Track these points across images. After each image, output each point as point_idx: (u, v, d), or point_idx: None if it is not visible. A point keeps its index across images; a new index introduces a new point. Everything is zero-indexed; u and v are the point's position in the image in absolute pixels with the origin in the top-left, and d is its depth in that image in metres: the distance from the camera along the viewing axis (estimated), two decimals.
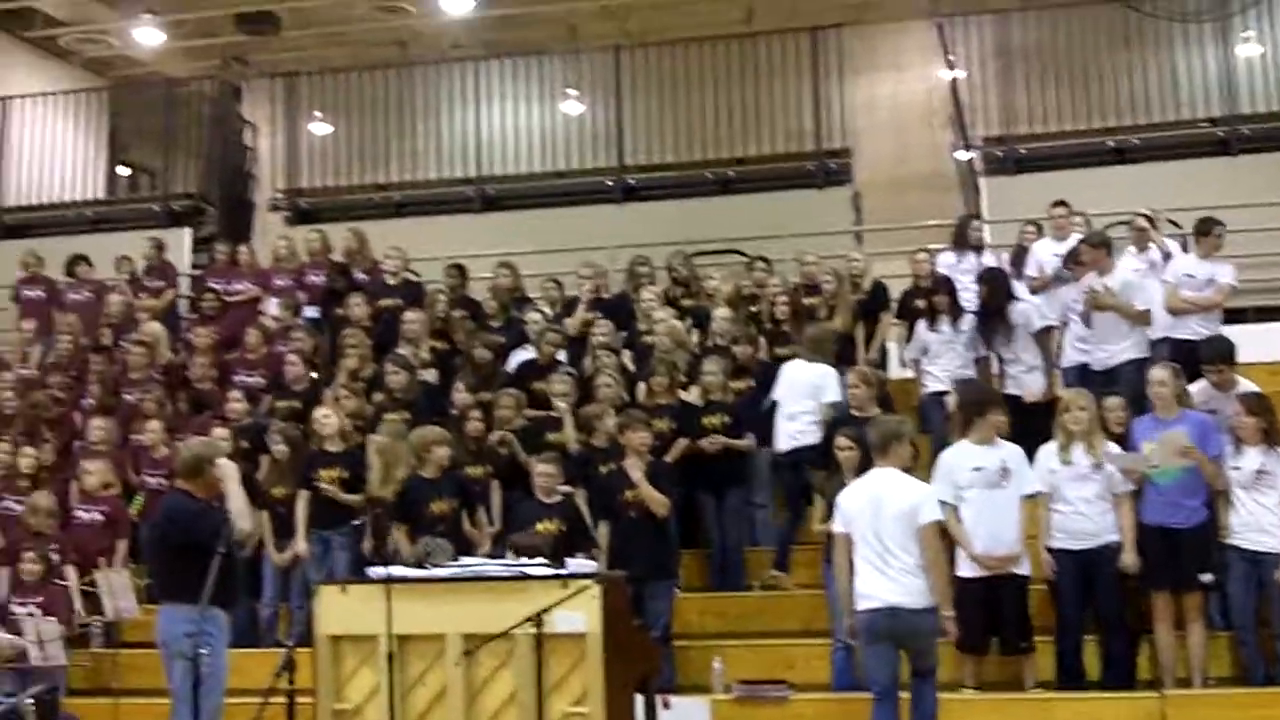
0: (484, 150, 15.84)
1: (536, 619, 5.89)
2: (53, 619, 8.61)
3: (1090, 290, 9.21)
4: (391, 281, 12.17)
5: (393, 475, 9.06)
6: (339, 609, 6.49)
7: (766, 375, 10.00)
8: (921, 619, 6.44)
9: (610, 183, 15.45)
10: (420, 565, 6.70)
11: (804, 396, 9.38)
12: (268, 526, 9.41)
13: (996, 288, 9.73)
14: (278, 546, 9.38)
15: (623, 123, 15.65)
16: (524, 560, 6.68)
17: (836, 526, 6.81)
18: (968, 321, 9.83)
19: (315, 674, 6.49)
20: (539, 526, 8.11)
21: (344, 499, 9.18)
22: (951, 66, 15.43)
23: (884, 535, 6.46)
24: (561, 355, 10.71)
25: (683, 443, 9.35)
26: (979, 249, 11.35)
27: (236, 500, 6.90)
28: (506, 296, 11.74)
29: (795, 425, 9.33)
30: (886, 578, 6.42)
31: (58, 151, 16.95)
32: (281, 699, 6.03)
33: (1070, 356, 9.49)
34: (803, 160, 15.16)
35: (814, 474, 8.67)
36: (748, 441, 9.50)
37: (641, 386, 10.10)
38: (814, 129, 15.17)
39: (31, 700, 4.18)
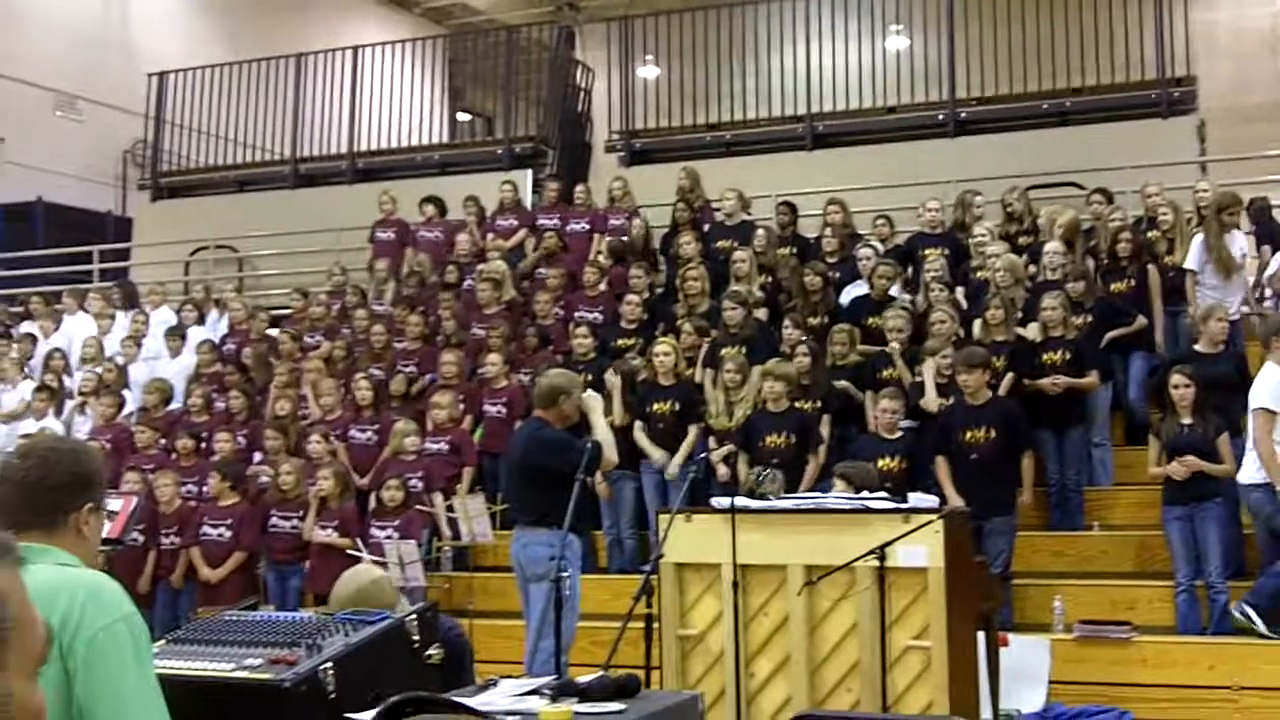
0: (813, 87, 15.77)
1: (879, 552, 5.92)
2: (411, 541, 9.12)
3: None
4: (727, 221, 12.39)
5: (733, 408, 9.27)
6: (683, 538, 6.59)
7: (1104, 311, 9.72)
8: None
9: (941, 116, 15.17)
10: (751, 495, 6.81)
11: None
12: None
13: None
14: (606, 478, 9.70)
15: (954, 55, 15.32)
16: (865, 494, 6.72)
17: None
18: None
19: (659, 600, 6.67)
20: (880, 463, 8.14)
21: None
22: None
23: None
24: (895, 290, 10.65)
25: (1011, 377, 9.20)
26: None
27: (602, 431, 7.12)
28: (842, 234, 11.73)
29: None
30: None
31: (404, 98, 17.78)
32: (638, 623, 6.22)
33: None
34: (1144, 89, 14.53)
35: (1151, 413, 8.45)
36: (1090, 379, 9.27)
37: (976, 323, 9.96)
38: (1156, 56, 14.52)
39: (414, 615, 4.47)
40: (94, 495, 2.73)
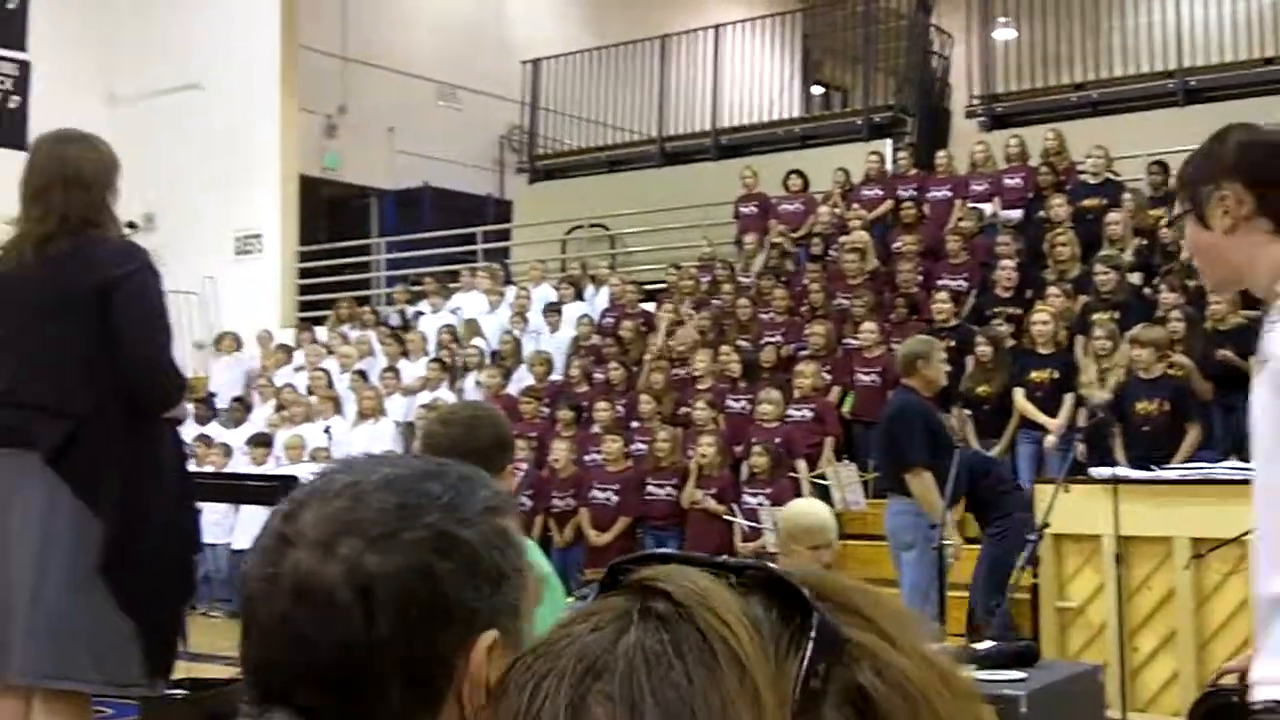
0: (1184, 40, 15.19)
1: None
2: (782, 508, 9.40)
3: None
4: (1092, 181, 12.17)
5: (1105, 375, 9.17)
6: (1061, 508, 6.50)
7: None
8: None
9: None
10: None
11: None
12: (969, 425, 9.77)
13: None
14: (984, 446, 9.72)
15: None
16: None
17: None
18: None
19: (1038, 571, 6.70)
20: None
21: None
22: None
23: None
24: None
25: None
26: None
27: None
28: None
29: None
30: None
31: (761, 74, 18.09)
32: (1024, 593, 6.31)
33: None
34: None
35: None
36: None
37: None
38: None
39: None
40: (511, 458, 3.03)
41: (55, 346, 3.89)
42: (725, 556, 0.80)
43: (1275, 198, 2.53)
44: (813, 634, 0.74)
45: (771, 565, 0.79)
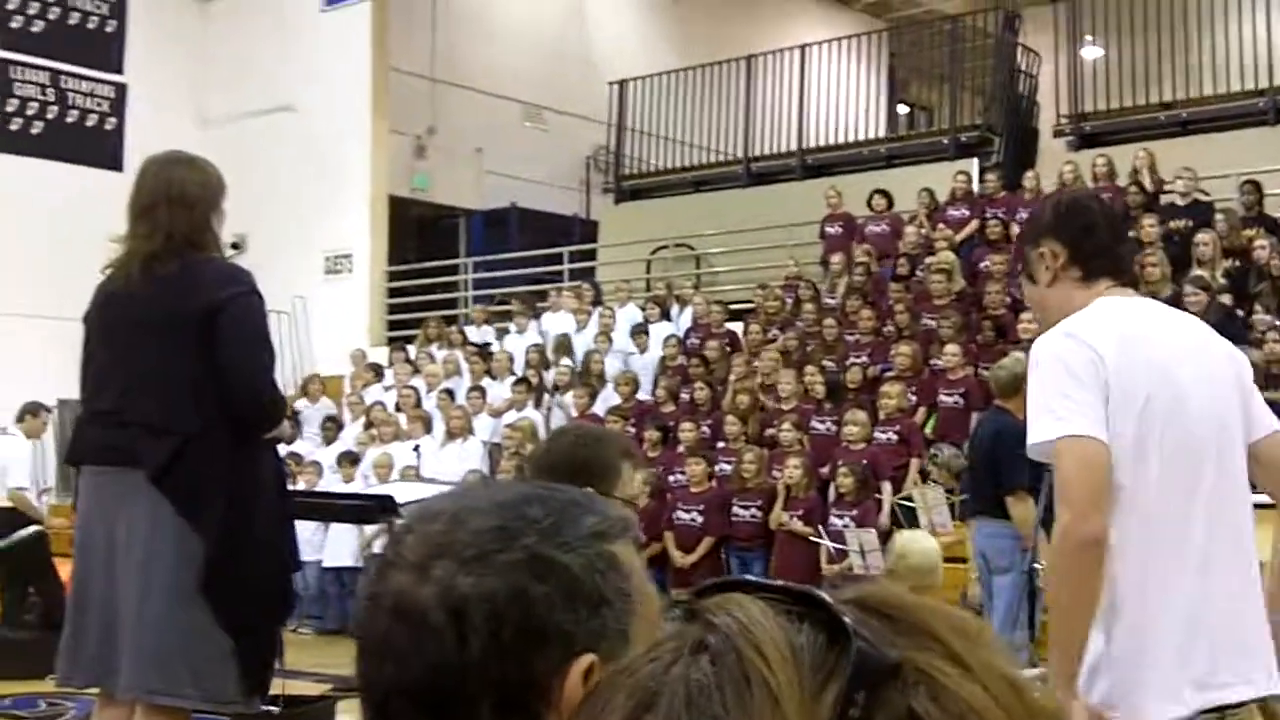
0: (1274, 59, 14.98)
1: None
2: (871, 530, 9.38)
3: None
4: (1181, 203, 12.06)
5: None
6: None
7: None
8: None
9: None
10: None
11: None
12: None
13: None
14: None
15: None
16: None
17: None
18: None
19: None
20: None
21: None
22: None
23: None
24: None
25: None
26: None
27: None
28: None
29: None
30: None
31: (847, 93, 18.09)
32: None
33: None
34: None
35: None
36: None
37: None
38: None
39: None
40: (613, 483, 3.06)
41: (161, 366, 3.98)
42: (785, 582, 0.82)
43: (1081, 248, 2.90)
44: (848, 663, 0.76)
45: (818, 592, 0.80)
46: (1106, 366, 2.76)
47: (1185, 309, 9.85)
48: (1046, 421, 2.79)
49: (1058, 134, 16.17)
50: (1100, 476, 2.73)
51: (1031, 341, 9.69)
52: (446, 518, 1.26)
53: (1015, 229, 12.95)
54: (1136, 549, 2.76)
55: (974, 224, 13.46)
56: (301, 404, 14.66)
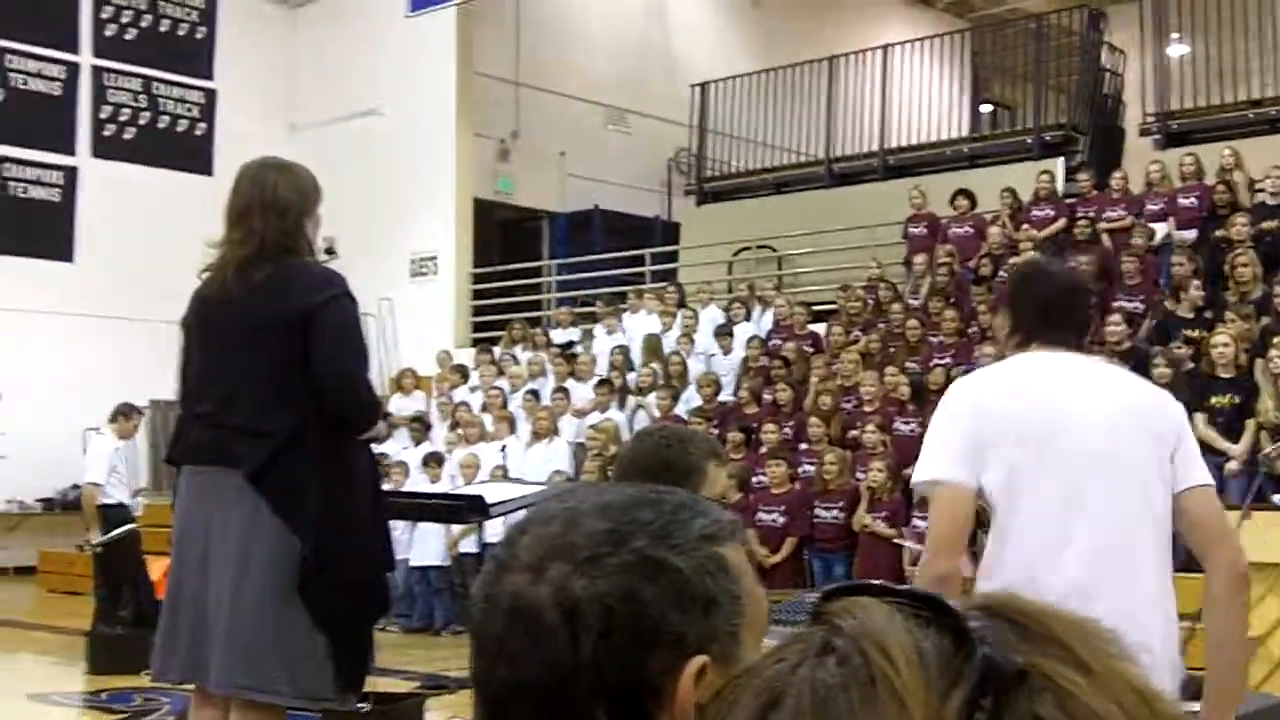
0: None
1: None
2: None
3: None
4: (1271, 202, 11.89)
5: None
6: (1242, 536, 6.44)
7: None
8: None
9: None
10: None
11: None
12: None
13: None
14: None
15: None
16: None
17: None
18: None
19: None
20: None
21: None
22: None
23: None
24: None
25: None
26: None
27: None
28: None
29: None
30: None
31: (929, 93, 18.00)
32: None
33: None
34: None
35: None
36: None
37: None
38: None
39: None
40: (699, 482, 3.06)
41: (258, 369, 4.05)
42: (910, 587, 0.83)
43: (1023, 320, 3.10)
44: (975, 667, 0.76)
45: (944, 597, 0.81)
46: (986, 412, 2.96)
47: (1276, 310, 9.78)
48: (923, 463, 3.01)
49: (1144, 132, 15.99)
50: (955, 521, 2.94)
51: (1117, 344, 9.71)
52: (560, 520, 1.29)
53: (1105, 227, 12.85)
54: (1008, 579, 2.89)
55: (1059, 224, 13.33)
56: (395, 399, 14.81)
